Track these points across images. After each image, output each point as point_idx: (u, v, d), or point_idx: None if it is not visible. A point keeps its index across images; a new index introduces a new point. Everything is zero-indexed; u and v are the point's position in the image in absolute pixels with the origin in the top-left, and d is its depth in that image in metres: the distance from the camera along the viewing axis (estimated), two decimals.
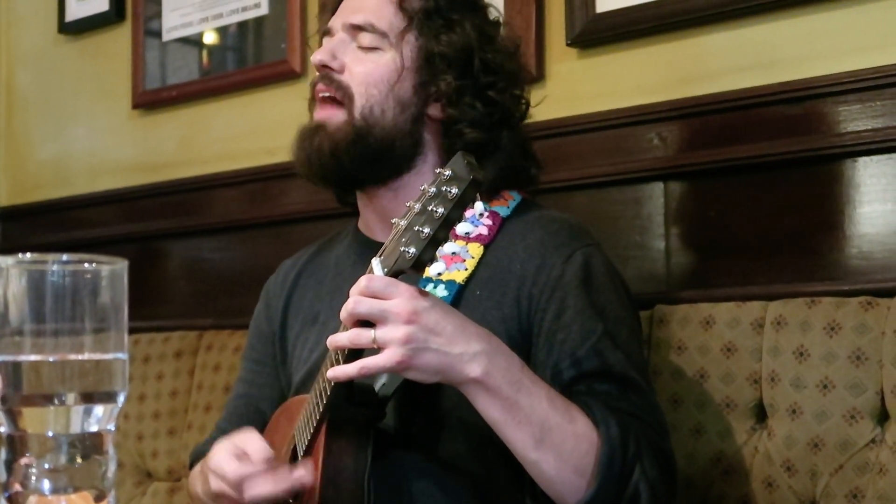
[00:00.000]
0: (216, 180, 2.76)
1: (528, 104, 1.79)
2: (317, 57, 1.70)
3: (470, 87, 1.69)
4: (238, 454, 1.53)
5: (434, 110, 1.70)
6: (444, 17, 1.70)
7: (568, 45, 2.18)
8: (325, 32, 1.75)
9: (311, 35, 1.88)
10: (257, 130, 2.70)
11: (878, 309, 1.69)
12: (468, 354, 1.40)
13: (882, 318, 1.67)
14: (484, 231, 1.65)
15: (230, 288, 2.71)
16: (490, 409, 1.44)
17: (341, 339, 1.41)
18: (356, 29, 1.70)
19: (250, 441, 1.55)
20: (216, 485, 1.54)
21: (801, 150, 1.90)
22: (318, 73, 1.72)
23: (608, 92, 2.14)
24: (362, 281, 1.38)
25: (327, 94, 1.69)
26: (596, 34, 2.14)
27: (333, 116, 1.68)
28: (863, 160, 1.86)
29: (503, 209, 1.70)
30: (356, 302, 1.38)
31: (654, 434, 1.52)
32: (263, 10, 2.72)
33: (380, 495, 1.52)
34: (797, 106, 1.91)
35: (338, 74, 1.69)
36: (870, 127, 1.84)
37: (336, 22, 1.73)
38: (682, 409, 1.82)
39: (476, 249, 1.64)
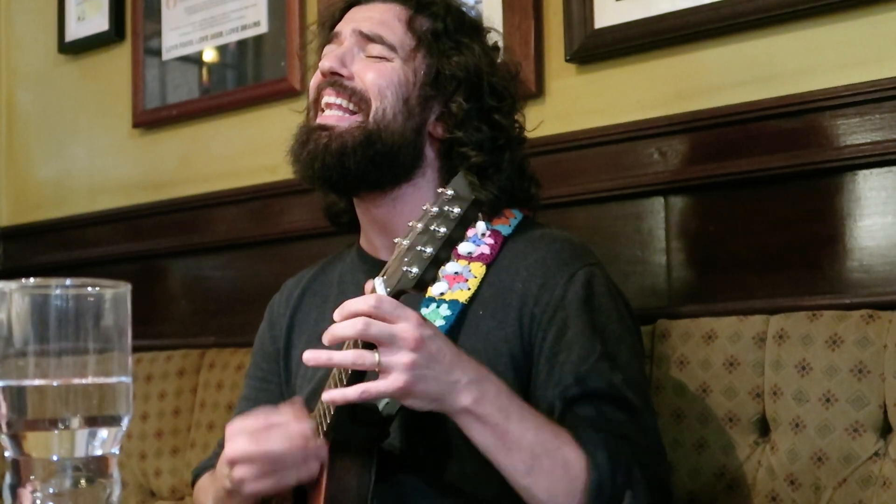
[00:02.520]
0: (217, 198, 2.77)
1: (522, 127, 1.79)
2: (326, 63, 1.69)
3: (477, 109, 1.69)
4: (265, 420, 1.52)
5: (436, 129, 1.70)
6: (452, 40, 1.71)
7: (567, 60, 2.19)
8: (332, 38, 1.74)
9: (310, 41, 1.85)
10: (258, 148, 2.70)
11: (879, 322, 1.69)
12: (462, 383, 1.41)
13: (884, 331, 1.68)
14: (486, 250, 1.65)
15: (232, 306, 2.72)
16: (481, 437, 1.44)
17: (345, 358, 1.39)
18: (365, 38, 1.70)
19: (274, 414, 1.54)
20: (228, 450, 1.51)
21: (801, 164, 1.90)
22: (323, 79, 1.71)
23: (607, 107, 2.14)
24: (370, 300, 1.37)
25: (338, 101, 1.68)
26: (595, 50, 2.15)
27: (343, 121, 1.67)
28: (862, 173, 1.86)
29: (505, 228, 1.69)
30: (367, 324, 1.36)
31: (647, 459, 1.53)
32: (263, 28, 2.72)
33: None
34: (796, 120, 1.92)
35: (349, 81, 1.68)
36: (869, 140, 1.84)
37: (345, 28, 1.72)
38: (684, 424, 1.82)
39: (478, 269, 1.64)
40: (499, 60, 1.78)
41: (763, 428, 1.77)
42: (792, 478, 1.71)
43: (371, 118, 1.66)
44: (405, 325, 1.36)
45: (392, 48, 1.69)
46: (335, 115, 1.68)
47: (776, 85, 1.95)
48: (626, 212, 2.10)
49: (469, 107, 1.68)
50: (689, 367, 1.84)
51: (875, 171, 1.85)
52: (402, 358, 1.36)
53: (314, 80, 1.74)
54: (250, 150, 2.73)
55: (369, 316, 1.37)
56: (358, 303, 1.38)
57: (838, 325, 1.72)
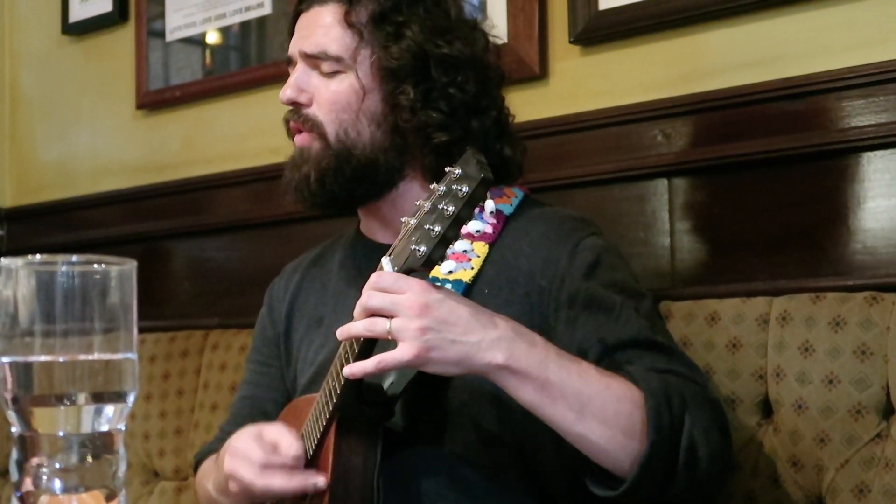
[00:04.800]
0: (220, 180, 2.77)
1: (502, 72, 1.75)
2: (284, 94, 1.71)
3: (430, 90, 1.66)
4: (268, 447, 1.54)
5: (403, 119, 1.68)
6: (390, 23, 1.68)
7: (571, 42, 2.18)
8: (289, 61, 1.75)
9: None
10: (261, 130, 2.70)
11: (883, 304, 1.69)
12: (486, 342, 1.39)
13: (887, 313, 1.68)
14: (489, 230, 1.65)
15: (235, 287, 2.72)
16: (522, 393, 1.41)
17: (356, 326, 1.40)
18: (312, 58, 1.70)
19: (284, 436, 1.55)
20: (231, 466, 1.54)
21: (805, 146, 1.90)
22: (288, 109, 1.73)
23: (611, 89, 2.14)
24: (373, 278, 1.39)
25: (302, 135, 1.71)
26: (598, 31, 2.15)
27: (313, 143, 1.69)
28: (867, 155, 1.86)
29: (506, 207, 1.70)
30: (368, 296, 1.38)
31: (695, 385, 1.50)
32: (266, 9, 2.72)
33: (389, 494, 1.53)
34: (800, 102, 1.91)
35: (306, 108, 1.70)
36: (873, 122, 1.84)
37: (294, 50, 1.73)
38: None
39: (481, 248, 1.64)
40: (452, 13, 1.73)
41: (766, 409, 1.78)
42: (794, 459, 1.71)
43: (333, 140, 1.67)
44: (408, 294, 1.37)
45: (338, 59, 1.68)
46: (304, 136, 1.70)
47: (780, 67, 1.95)
48: (630, 194, 2.10)
49: (420, 89, 1.65)
50: (693, 349, 1.84)
51: (879, 153, 1.85)
52: (410, 325, 1.36)
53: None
54: (253, 132, 2.73)
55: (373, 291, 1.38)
56: (366, 285, 1.40)
57: (841, 307, 1.72)
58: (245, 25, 2.78)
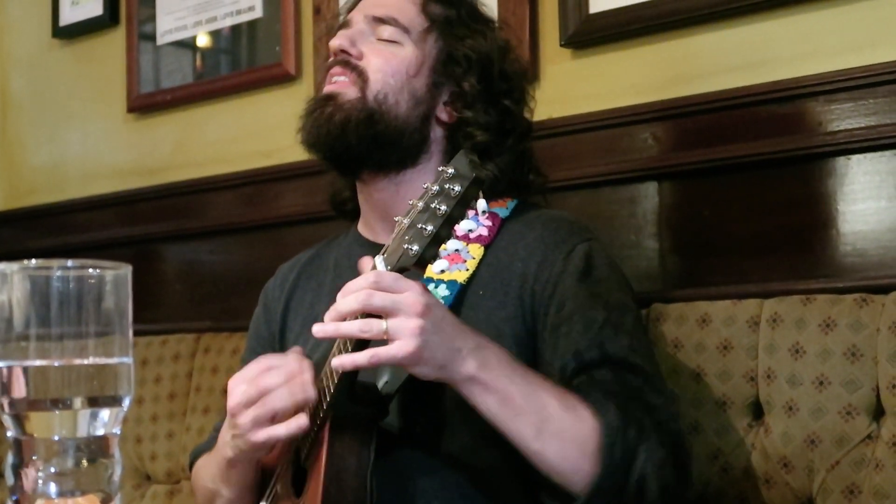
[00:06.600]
0: (211, 183, 2.77)
1: (530, 121, 1.81)
2: (336, 41, 1.72)
3: (486, 92, 1.71)
4: (265, 364, 1.52)
5: (444, 114, 1.72)
6: (465, 26, 1.74)
7: (562, 45, 2.19)
8: (343, 25, 1.77)
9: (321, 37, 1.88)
10: (252, 133, 2.71)
11: (872, 306, 1.70)
12: (465, 350, 1.42)
13: (877, 315, 1.68)
14: (484, 232, 1.66)
15: (227, 290, 2.72)
16: (485, 404, 1.44)
17: (352, 327, 1.39)
18: (377, 21, 1.72)
19: (275, 359, 1.54)
20: (232, 399, 1.51)
21: (794, 149, 1.91)
22: (332, 58, 1.73)
23: (602, 92, 2.15)
24: (370, 276, 1.38)
25: (343, 78, 1.71)
26: (589, 35, 2.15)
27: (346, 90, 1.70)
28: (856, 158, 1.87)
29: (502, 210, 1.71)
30: (369, 295, 1.36)
31: (659, 415, 1.52)
32: (257, 13, 2.72)
33: (382, 494, 1.53)
34: (789, 105, 1.92)
35: (356, 60, 1.71)
36: (862, 125, 1.85)
37: (356, 15, 1.75)
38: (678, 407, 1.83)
39: (476, 250, 1.65)
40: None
41: (757, 411, 1.78)
42: (785, 460, 1.72)
43: (371, 97, 1.68)
44: (409, 294, 1.37)
45: (404, 30, 1.71)
46: (339, 83, 1.70)
47: (770, 70, 1.96)
48: (621, 196, 2.10)
49: (480, 88, 1.71)
50: (684, 351, 1.84)
51: (868, 155, 1.86)
52: (409, 323, 1.36)
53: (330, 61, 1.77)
54: (245, 135, 2.73)
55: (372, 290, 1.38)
56: (359, 280, 1.39)
57: (832, 309, 1.73)
58: (236, 29, 2.78)
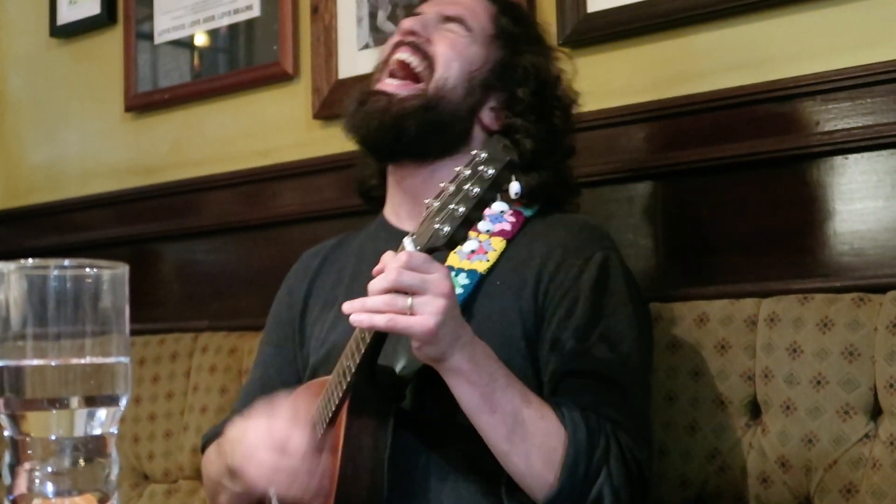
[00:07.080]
0: (209, 182, 2.77)
1: (573, 146, 1.85)
2: (408, 22, 1.76)
3: (539, 105, 1.76)
4: (277, 445, 1.52)
5: (489, 118, 1.76)
6: (528, 44, 1.80)
7: (560, 45, 2.19)
8: (414, 15, 1.80)
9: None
10: (250, 132, 2.70)
11: (870, 305, 1.70)
12: (462, 340, 1.45)
13: (874, 314, 1.69)
14: (507, 227, 1.70)
15: (224, 290, 2.72)
16: (467, 395, 1.48)
17: (377, 300, 1.40)
18: (447, 20, 1.77)
19: (293, 435, 1.54)
20: (240, 464, 1.54)
21: (792, 148, 1.91)
22: (400, 38, 1.76)
23: (600, 91, 2.14)
24: (402, 256, 1.39)
25: (409, 59, 1.74)
26: (587, 34, 2.15)
27: (402, 89, 1.73)
28: (853, 157, 1.87)
29: (527, 209, 1.75)
30: (399, 273, 1.38)
31: (628, 440, 1.55)
32: (255, 12, 2.72)
33: (395, 474, 1.54)
34: (787, 104, 1.92)
35: (425, 44, 1.74)
36: (860, 124, 1.85)
37: (429, 8, 1.79)
38: (676, 407, 1.83)
39: (499, 243, 1.69)
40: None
41: (754, 410, 1.78)
42: (783, 460, 1.72)
43: (432, 85, 1.72)
44: (438, 275, 1.39)
45: (472, 31, 1.76)
46: (395, 83, 1.74)
47: (768, 69, 1.96)
48: (619, 195, 2.10)
49: (533, 99, 1.75)
50: (681, 350, 1.85)
51: (866, 154, 1.86)
52: (435, 302, 1.38)
53: (390, 40, 1.80)
54: (242, 134, 2.73)
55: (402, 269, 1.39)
56: (389, 261, 1.41)
57: (829, 309, 1.73)
58: (233, 28, 2.78)
